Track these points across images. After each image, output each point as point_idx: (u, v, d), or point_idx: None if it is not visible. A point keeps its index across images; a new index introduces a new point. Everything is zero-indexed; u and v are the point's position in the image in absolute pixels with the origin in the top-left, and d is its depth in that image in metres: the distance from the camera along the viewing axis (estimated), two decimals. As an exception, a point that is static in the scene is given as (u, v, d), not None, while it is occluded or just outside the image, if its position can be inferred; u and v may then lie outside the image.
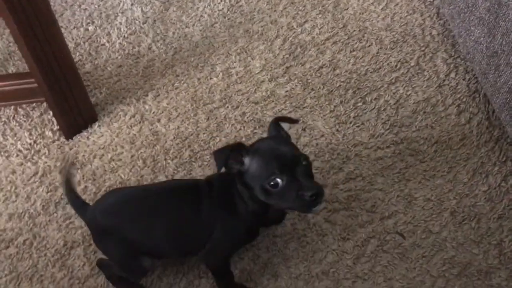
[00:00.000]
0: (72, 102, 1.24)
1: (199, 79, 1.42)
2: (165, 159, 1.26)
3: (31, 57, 1.08)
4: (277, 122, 0.95)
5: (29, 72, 1.15)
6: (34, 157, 1.27)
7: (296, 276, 1.06)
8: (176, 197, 0.97)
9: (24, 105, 1.37)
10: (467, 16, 1.24)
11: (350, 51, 1.46)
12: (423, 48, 1.44)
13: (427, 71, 1.39)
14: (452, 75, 1.37)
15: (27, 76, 1.19)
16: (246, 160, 0.88)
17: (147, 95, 1.39)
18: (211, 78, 1.42)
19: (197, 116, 1.34)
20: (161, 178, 1.22)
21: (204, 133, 1.30)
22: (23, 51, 1.08)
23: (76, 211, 1.02)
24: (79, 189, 1.20)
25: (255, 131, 1.30)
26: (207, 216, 0.94)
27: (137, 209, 0.96)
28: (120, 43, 1.52)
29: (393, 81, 1.38)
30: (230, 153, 0.87)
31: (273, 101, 1.35)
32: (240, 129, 1.30)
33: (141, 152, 1.27)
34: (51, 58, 1.13)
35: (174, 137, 1.29)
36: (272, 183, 0.85)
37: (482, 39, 1.17)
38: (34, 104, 1.37)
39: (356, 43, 1.48)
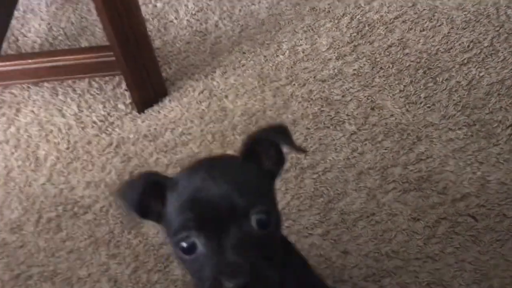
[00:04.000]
0: (146, 76, 1.28)
1: (265, 56, 1.43)
2: (233, 135, 1.28)
3: (112, 31, 1.12)
4: (261, 138, 0.59)
5: (108, 45, 1.19)
6: (108, 129, 1.32)
7: (365, 253, 1.07)
8: None
9: (97, 79, 1.42)
10: (551, -6, 1.19)
11: (420, 31, 1.42)
12: (497, 28, 1.39)
13: (502, 52, 1.34)
14: (529, 56, 1.32)
15: (105, 49, 1.23)
16: (168, 198, 0.57)
17: (215, 72, 1.41)
18: (277, 56, 1.43)
19: (263, 93, 1.35)
20: (230, 152, 1.24)
21: (270, 110, 1.31)
22: (105, 24, 1.12)
23: None
24: (151, 161, 1.25)
25: (322, 109, 1.30)
26: None
27: None
28: (187, 20, 1.54)
29: (465, 61, 1.34)
30: (146, 186, 0.56)
31: (340, 79, 1.35)
32: (307, 107, 1.31)
33: (210, 127, 1.29)
34: (129, 32, 1.16)
35: (241, 113, 1.31)
36: (183, 243, 0.53)
37: None
38: (107, 77, 1.41)
39: (426, 22, 1.44)
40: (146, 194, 0.56)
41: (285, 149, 0.60)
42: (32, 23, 1.60)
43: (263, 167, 0.60)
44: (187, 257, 0.54)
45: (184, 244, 0.53)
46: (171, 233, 0.55)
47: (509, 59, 1.32)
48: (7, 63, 1.31)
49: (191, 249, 0.53)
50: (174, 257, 0.59)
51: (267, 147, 0.59)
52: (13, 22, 1.61)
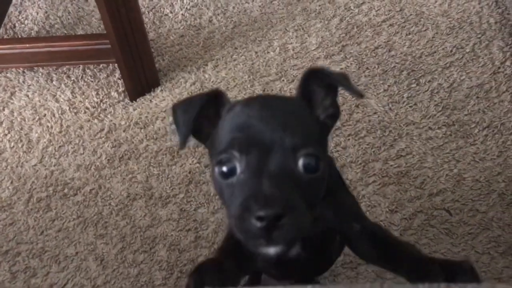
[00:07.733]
0: (139, 65, 1.31)
1: (256, 52, 1.48)
2: (222, 126, 1.32)
3: (109, 19, 1.16)
4: (314, 76, 0.57)
5: (104, 33, 1.23)
6: (101, 115, 1.36)
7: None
8: None
9: (91, 66, 1.45)
10: (529, 3, 1.25)
11: (406, 34, 1.48)
12: (479, 36, 1.46)
13: (482, 58, 1.40)
14: (508, 63, 1.38)
15: (102, 37, 1.27)
16: (222, 118, 0.57)
17: (207, 65, 1.45)
18: (268, 52, 1.47)
19: (253, 87, 1.39)
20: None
21: (259, 104, 1.36)
22: (102, 12, 1.15)
23: None
24: (141, 147, 1.28)
25: (309, 105, 1.35)
26: None
27: None
28: (182, 14, 1.59)
29: (447, 65, 1.40)
30: (204, 103, 0.56)
31: (328, 78, 1.40)
32: (295, 102, 1.35)
33: (200, 117, 1.33)
34: (126, 22, 1.20)
35: (231, 106, 1.35)
36: (224, 166, 0.51)
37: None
38: (101, 66, 1.45)
39: (412, 26, 1.50)
40: (204, 109, 0.56)
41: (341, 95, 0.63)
42: (29, 10, 1.63)
43: (317, 115, 0.59)
44: (224, 181, 0.52)
45: (224, 168, 0.51)
46: (216, 152, 0.53)
47: (488, 64, 1.38)
48: (5, 46, 1.33)
49: (230, 172, 0.51)
50: (212, 182, 0.59)
51: (323, 95, 0.58)
52: (11, 8, 1.64)
